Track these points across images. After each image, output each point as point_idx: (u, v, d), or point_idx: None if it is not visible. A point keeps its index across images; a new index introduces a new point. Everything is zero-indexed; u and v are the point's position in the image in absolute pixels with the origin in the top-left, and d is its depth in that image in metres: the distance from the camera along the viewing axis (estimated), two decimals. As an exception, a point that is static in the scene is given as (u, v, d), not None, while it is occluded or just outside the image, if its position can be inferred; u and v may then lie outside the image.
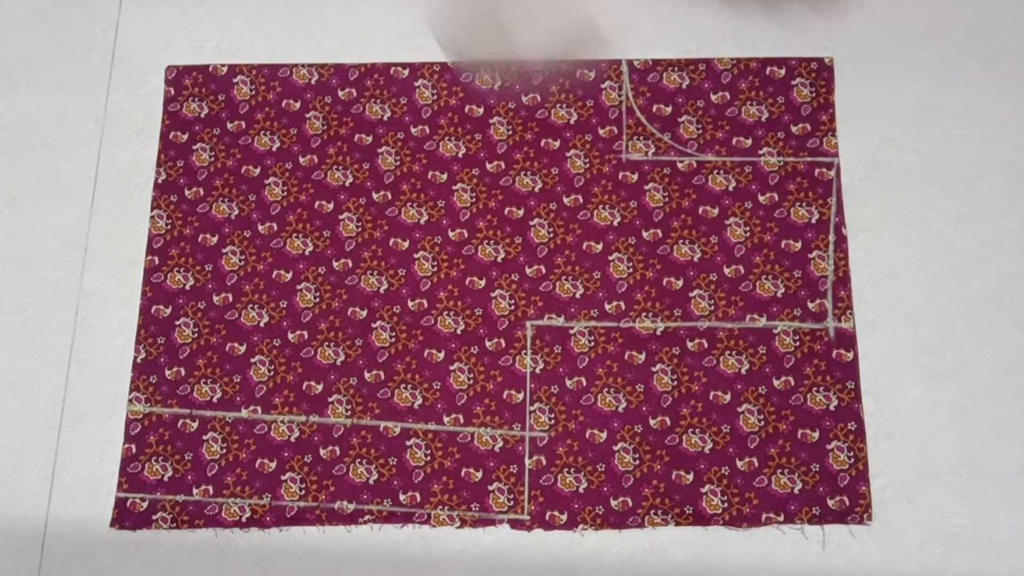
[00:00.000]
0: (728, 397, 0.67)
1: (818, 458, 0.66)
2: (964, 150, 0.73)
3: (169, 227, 0.73)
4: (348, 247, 0.72)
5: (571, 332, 0.69)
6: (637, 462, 0.66)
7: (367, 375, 0.69)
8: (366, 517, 0.66)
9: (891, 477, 0.66)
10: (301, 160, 0.74)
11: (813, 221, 0.71)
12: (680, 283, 0.70)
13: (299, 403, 0.68)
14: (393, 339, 0.69)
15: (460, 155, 0.73)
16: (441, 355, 0.69)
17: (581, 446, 0.67)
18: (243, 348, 0.70)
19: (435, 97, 0.75)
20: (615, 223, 0.72)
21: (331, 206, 0.73)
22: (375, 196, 0.73)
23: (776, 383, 0.67)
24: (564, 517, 0.66)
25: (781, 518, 0.65)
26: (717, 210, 0.72)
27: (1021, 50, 0.75)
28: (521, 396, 0.68)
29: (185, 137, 0.75)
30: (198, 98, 0.76)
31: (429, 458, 0.67)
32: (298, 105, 0.75)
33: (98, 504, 0.67)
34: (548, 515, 0.66)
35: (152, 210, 0.73)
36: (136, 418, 0.68)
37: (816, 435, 0.66)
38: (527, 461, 0.67)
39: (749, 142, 0.73)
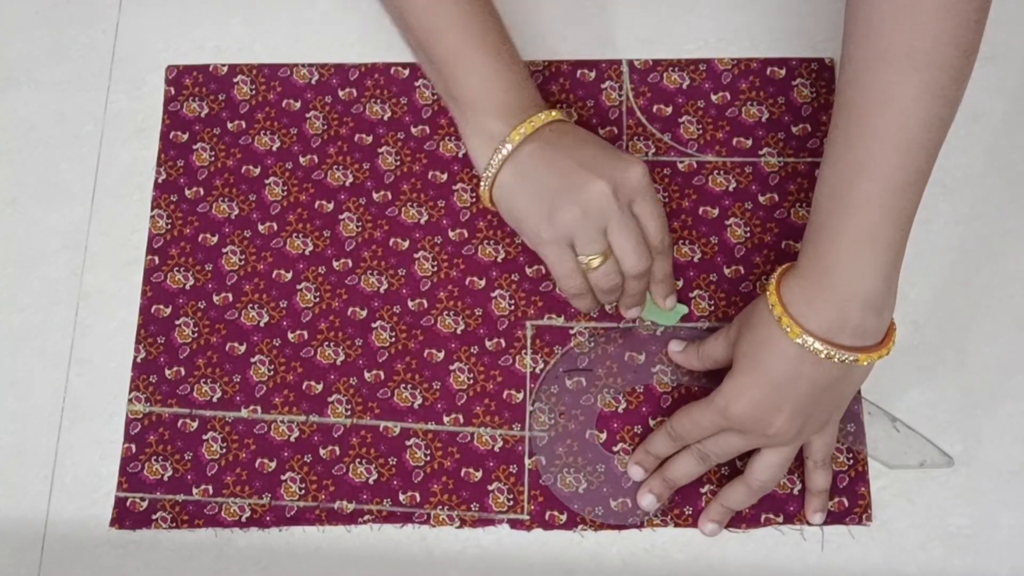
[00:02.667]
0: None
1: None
2: (964, 150, 0.73)
3: (169, 227, 0.73)
4: (348, 247, 0.72)
5: (571, 332, 0.69)
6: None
7: (367, 375, 0.69)
8: (366, 517, 0.66)
9: (891, 477, 0.66)
10: (301, 160, 0.74)
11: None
12: (680, 283, 0.70)
13: (299, 403, 0.68)
14: (393, 339, 0.69)
15: (460, 155, 0.73)
16: (441, 355, 0.69)
17: (581, 446, 0.67)
18: (243, 348, 0.70)
19: (435, 97, 0.75)
20: (615, 223, 0.72)
21: (331, 206, 0.73)
22: (375, 196, 0.73)
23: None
24: (564, 517, 0.66)
25: (780, 519, 0.65)
26: (717, 211, 0.72)
27: (1021, 50, 0.75)
28: (521, 396, 0.68)
29: (185, 137, 0.75)
30: (198, 98, 0.76)
31: (429, 458, 0.67)
32: (298, 105, 0.75)
33: (98, 504, 0.67)
34: (548, 515, 0.66)
35: (152, 210, 0.73)
36: (136, 418, 0.68)
37: (816, 435, 0.66)
38: (527, 461, 0.67)
39: (749, 142, 0.73)
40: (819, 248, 0.58)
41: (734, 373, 0.61)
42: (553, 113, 0.63)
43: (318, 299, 0.71)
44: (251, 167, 0.74)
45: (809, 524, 0.65)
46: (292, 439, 0.68)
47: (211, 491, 0.67)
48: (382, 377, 0.69)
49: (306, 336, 0.70)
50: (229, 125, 0.75)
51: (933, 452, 0.65)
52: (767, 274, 0.70)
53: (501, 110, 0.63)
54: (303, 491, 0.67)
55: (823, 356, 0.57)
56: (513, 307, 0.70)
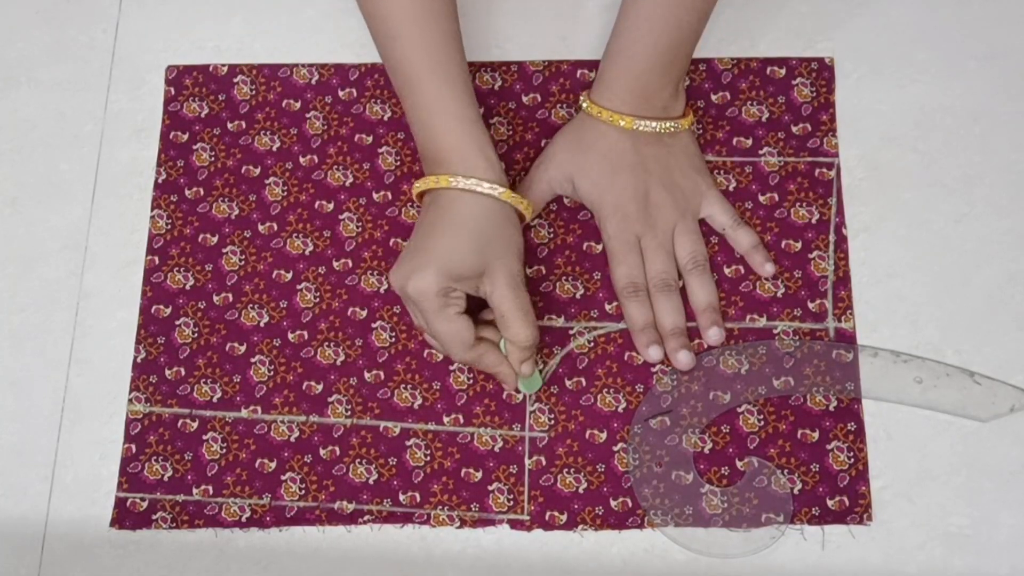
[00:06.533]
0: (728, 397, 0.67)
1: (818, 458, 0.66)
2: (964, 150, 0.73)
3: (169, 227, 0.73)
4: (348, 247, 0.72)
5: (571, 332, 0.69)
6: (637, 462, 0.66)
7: (367, 375, 0.69)
8: (366, 517, 0.66)
9: (891, 477, 0.66)
10: (301, 160, 0.74)
11: (813, 221, 0.71)
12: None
13: (299, 403, 0.68)
14: (393, 339, 0.69)
15: (460, 155, 0.73)
16: (441, 355, 0.69)
17: (581, 446, 0.67)
18: (243, 348, 0.70)
19: (435, 97, 0.75)
20: (615, 223, 0.72)
21: (331, 206, 0.73)
22: (375, 196, 0.73)
23: (776, 383, 0.67)
24: (564, 517, 0.66)
25: (780, 518, 0.65)
26: (717, 210, 0.72)
27: (1021, 50, 0.75)
28: (521, 396, 0.68)
29: (185, 137, 0.75)
30: (198, 98, 0.76)
31: (429, 458, 0.67)
32: (298, 105, 0.75)
33: (98, 504, 0.67)
34: (548, 515, 0.66)
35: (152, 210, 0.73)
36: (136, 418, 0.68)
37: (816, 435, 0.66)
38: (527, 461, 0.67)
39: (749, 142, 0.73)
40: (622, 66, 0.68)
41: (602, 205, 0.68)
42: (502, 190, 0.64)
43: (318, 299, 0.71)
44: (251, 167, 0.74)
45: (807, 524, 0.65)
46: (292, 439, 0.68)
47: (211, 491, 0.67)
48: (382, 377, 0.69)
49: (306, 336, 0.70)
50: (229, 125, 0.75)
51: (1021, 396, 0.66)
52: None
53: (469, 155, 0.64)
54: (303, 491, 0.67)
55: (656, 129, 0.68)
56: (513, 307, 0.70)
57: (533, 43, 0.76)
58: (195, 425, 0.68)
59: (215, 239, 0.72)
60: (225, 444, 0.68)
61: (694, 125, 0.72)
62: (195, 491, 0.67)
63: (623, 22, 0.68)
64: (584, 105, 0.69)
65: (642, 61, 0.67)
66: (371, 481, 0.67)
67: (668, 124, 0.68)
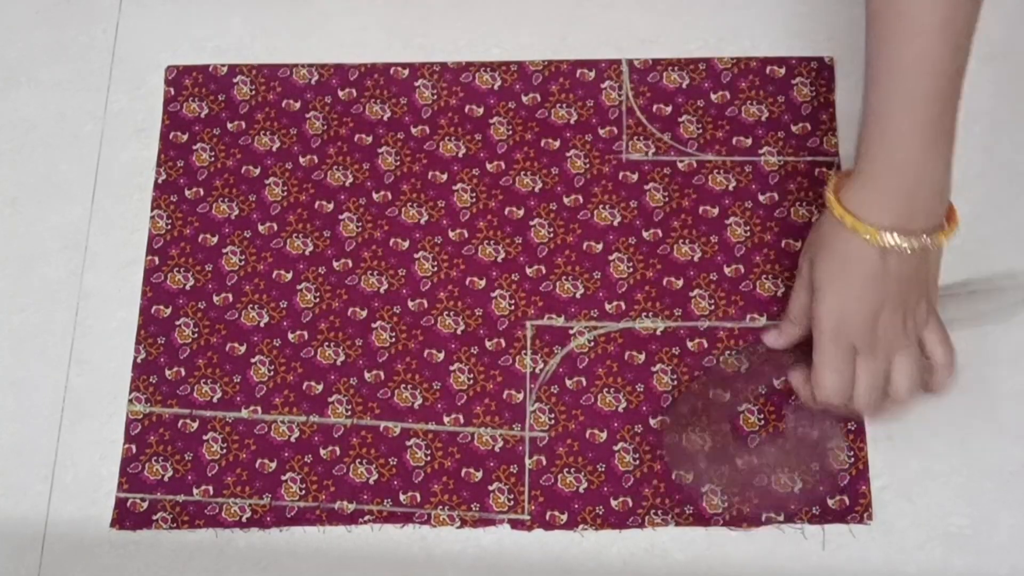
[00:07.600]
0: (727, 397, 0.67)
1: (818, 457, 0.66)
2: (964, 150, 0.72)
3: (169, 227, 0.73)
4: (348, 247, 0.72)
5: (571, 332, 0.69)
6: (637, 462, 0.66)
7: (367, 375, 0.69)
8: (366, 517, 0.66)
9: (891, 477, 0.66)
10: (301, 160, 0.74)
11: (813, 221, 0.71)
12: (680, 283, 0.70)
13: (299, 403, 0.68)
14: (393, 339, 0.69)
15: (460, 155, 0.73)
16: (441, 355, 0.69)
17: (581, 446, 0.67)
18: (243, 348, 0.70)
19: (435, 97, 0.75)
20: (615, 223, 0.72)
21: (331, 206, 0.73)
22: (375, 196, 0.73)
23: (775, 382, 0.67)
24: (564, 517, 0.66)
25: (781, 518, 0.65)
26: (717, 210, 0.72)
27: (1021, 50, 0.75)
28: (521, 396, 0.68)
29: (185, 137, 0.75)
30: (198, 98, 0.76)
31: (429, 458, 0.67)
32: (298, 105, 0.75)
33: (98, 504, 0.67)
34: (548, 515, 0.66)
35: (152, 210, 0.73)
36: (136, 418, 0.68)
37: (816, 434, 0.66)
38: (527, 461, 0.67)
39: (749, 142, 0.73)
40: (886, 148, 0.59)
41: (823, 300, 0.61)
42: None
43: (318, 299, 0.71)
44: (251, 167, 0.74)
45: (807, 524, 0.65)
46: (292, 439, 0.68)
47: (211, 491, 0.67)
48: (382, 377, 0.69)
49: (306, 336, 0.70)
50: (229, 125, 0.75)
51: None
52: (767, 273, 0.70)
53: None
54: (303, 491, 0.67)
55: (906, 248, 0.58)
56: (513, 307, 0.70)
57: (533, 43, 0.76)
58: (195, 425, 0.68)
59: (215, 239, 0.72)
60: (225, 444, 0.68)
61: (951, 236, 0.61)
62: (195, 491, 0.67)
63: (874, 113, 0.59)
64: (835, 211, 0.60)
65: (911, 165, 0.58)
66: (371, 481, 0.67)
67: (927, 241, 0.59)
